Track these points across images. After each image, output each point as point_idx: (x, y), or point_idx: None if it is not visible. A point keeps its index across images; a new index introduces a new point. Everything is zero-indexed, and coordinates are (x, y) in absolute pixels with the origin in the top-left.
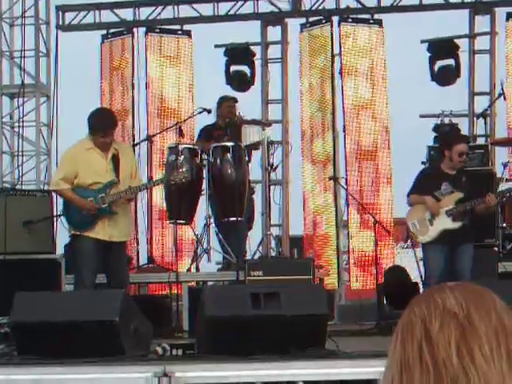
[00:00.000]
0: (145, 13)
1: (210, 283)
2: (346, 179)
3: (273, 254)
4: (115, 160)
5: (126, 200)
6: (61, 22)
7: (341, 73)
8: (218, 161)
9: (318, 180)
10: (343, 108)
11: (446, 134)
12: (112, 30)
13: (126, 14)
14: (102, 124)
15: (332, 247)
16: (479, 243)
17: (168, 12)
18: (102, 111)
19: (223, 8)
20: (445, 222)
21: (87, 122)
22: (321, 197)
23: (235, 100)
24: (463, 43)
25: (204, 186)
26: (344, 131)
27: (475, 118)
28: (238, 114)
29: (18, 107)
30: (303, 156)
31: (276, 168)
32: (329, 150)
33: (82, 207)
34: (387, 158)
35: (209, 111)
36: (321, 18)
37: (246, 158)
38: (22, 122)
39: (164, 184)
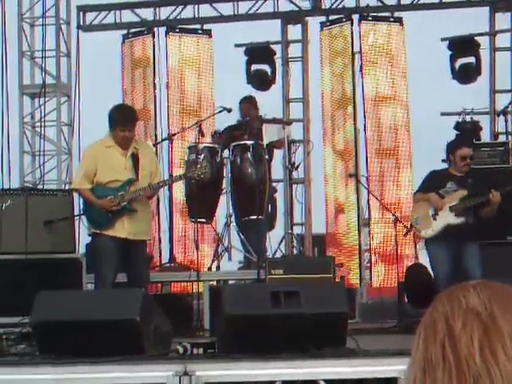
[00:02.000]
0: (165, 12)
1: (230, 282)
2: (367, 177)
3: (295, 252)
4: (135, 158)
5: (146, 197)
6: (82, 22)
7: (361, 71)
8: (238, 159)
9: (339, 178)
10: (364, 106)
11: (451, 140)
12: (132, 30)
13: (147, 13)
14: (122, 117)
15: (354, 245)
16: (501, 240)
17: (188, 11)
18: (122, 105)
19: (243, 7)
20: (448, 217)
21: (108, 116)
22: (342, 195)
23: (254, 99)
24: (484, 41)
25: (225, 184)
26: (364, 129)
27: (496, 116)
28: (258, 112)
29: (39, 107)
30: (325, 154)
31: (298, 167)
32: (350, 148)
33: (102, 207)
34: (408, 156)
35: (229, 110)
36: (341, 16)
37: (267, 157)
38: (44, 121)
39: (183, 179)
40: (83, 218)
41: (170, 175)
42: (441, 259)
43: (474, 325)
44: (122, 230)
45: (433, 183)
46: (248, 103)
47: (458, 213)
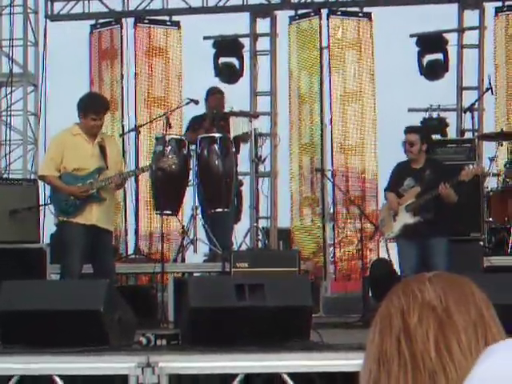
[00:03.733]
0: (134, 3)
1: (195, 274)
2: (333, 172)
3: (260, 245)
4: (101, 147)
5: (114, 186)
6: (49, 12)
7: (329, 65)
8: (205, 152)
9: (305, 172)
10: (331, 101)
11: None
12: (101, 21)
13: (115, 4)
14: (95, 105)
15: (318, 240)
16: (465, 237)
17: (157, 3)
18: (94, 94)
19: None
20: (404, 218)
21: (78, 104)
22: (308, 189)
23: (222, 92)
24: (452, 38)
25: (191, 176)
26: (331, 124)
27: (463, 113)
28: (225, 105)
29: (6, 96)
30: (291, 148)
31: (264, 160)
32: (316, 143)
33: (71, 193)
34: (373, 151)
35: (196, 102)
36: (310, 10)
37: (234, 150)
38: (10, 111)
39: (152, 170)
40: (50, 206)
41: (136, 166)
42: (407, 256)
43: (430, 320)
44: (91, 217)
45: (396, 179)
46: (217, 95)
47: (414, 212)
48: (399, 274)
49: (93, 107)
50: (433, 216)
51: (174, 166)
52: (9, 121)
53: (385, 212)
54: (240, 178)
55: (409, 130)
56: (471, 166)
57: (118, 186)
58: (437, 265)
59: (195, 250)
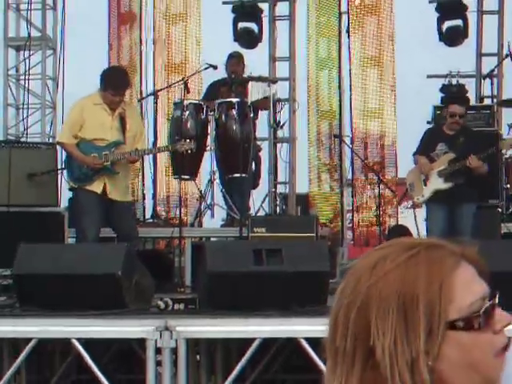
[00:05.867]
0: None
1: (213, 239)
2: (352, 137)
3: (278, 211)
4: (122, 119)
5: (129, 161)
6: None
7: (348, 31)
8: (223, 117)
9: (323, 138)
10: (350, 66)
11: (446, 96)
12: None
13: None
14: (115, 82)
15: (336, 206)
16: (483, 204)
17: None
18: (117, 70)
19: None
20: (436, 183)
21: (100, 78)
22: (326, 155)
23: (241, 57)
24: (472, 3)
25: (209, 141)
26: (350, 89)
27: (482, 79)
28: (244, 70)
29: (24, 60)
30: (309, 114)
31: (283, 126)
32: (335, 108)
33: (85, 163)
34: (393, 117)
35: (215, 67)
36: None
37: (252, 115)
38: (28, 74)
39: (168, 151)
40: (64, 172)
41: (156, 142)
42: (435, 220)
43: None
44: (101, 187)
45: (427, 144)
46: (236, 60)
47: (446, 177)
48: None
49: (112, 84)
50: (464, 182)
51: (190, 151)
52: (27, 85)
53: (414, 176)
54: (258, 143)
55: (457, 102)
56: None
57: (132, 162)
58: (462, 230)
59: (213, 215)
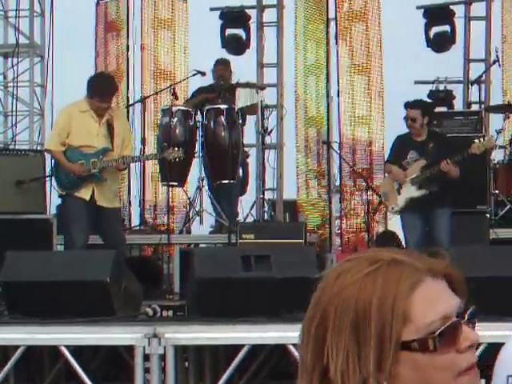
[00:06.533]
0: None
1: (201, 246)
2: (340, 144)
3: (266, 217)
4: (109, 126)
5: (116, 168)
6: None
7: (336, 37)
8: (212, 123)
9: (311, 144)
10: (338, 73)
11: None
12: None
13: None
14: (101, 89)
15: (323, 212)
16: (471, 209)
17: None
18: (103, 77)
19: None
20: (410, 191)
21: (87, 84)
22: (314, 161)
23: (228, 63)
24: (459, 9)
25: (197, 148)
26: (338, 96)
27: (470, 85)
28: (232, 76)
29: (12, 67)
30: (297, 120)
31: (271, 132)
32: (323, 115)
33: (72, 171)
34: (381, 123)
35: (203, 74)
36: None
37: (240, 121)
38: (16, 82)
39: (156, 159)
40: (53, 179)
41: (144, 148)
42: (411, 229)
43: None
44: (89, 194)
45: (398, 152)
46: (222, 66)
47: (420, 185)
48: (405, 246)
49: (99, 91)
50: (438, 188)
51: (177, 159)
52: (15, 92)
53: (387, 185)
54: (246, 149)
55: (409, 105)
56: (482, 140)
57: (120, 169)
58: (439, 236)
59: (201, 222)
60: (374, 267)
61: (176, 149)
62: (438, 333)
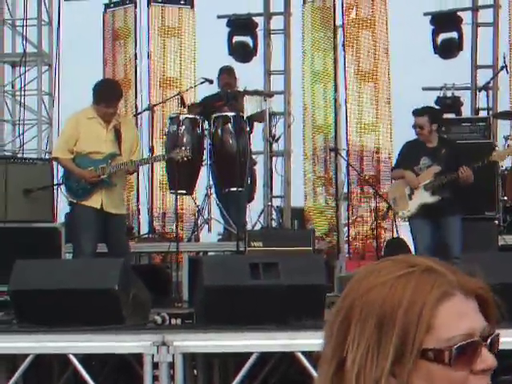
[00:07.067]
0: None
1: (210, 253)
2: (347, 151)
3: (274, 225)
4: (117, 132)
5: (125, 172)
6: None
7: (343, 45)
8: (219, 131)
9: (319, 151)
10: (345, 80)
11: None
12: (115, 0)
13: None
14: (107, 95)
15: (331, 220)
16: (479, 215)
17: None
18: (108, 82)
19: None
20: (423, 197)
21: (92, 91)
22: (322, 169)
23: (232, 70)
24: (466, 16)
25: (205, 156)
26: (345, 103)
27: (478, 91)
28: (236, 83)
29: (20, 76)
30: (305, 127)
31: (278, 139)
32: (330, 122)
33: (82, 177)
34: (388, 130)
35: (210, 81)
36: None
37: (248, 129)
38: (24, 90)
39: (164, 160)
40: (62, 187)
41: (151, 154)
42: (421, 235)
43: None
44: (99, 201)
45: (408, 158)
46: (227, 73)
47: (433, 191)
48: (414, 253)
49: (104, 97)
50: (450, 195)
51: (186, 158)
52: (23, 100)
53: (397, 191)
54: (254, 157)
55: (416, 113)
56: (505, 148)
57: (129, 173)
58: (451, 244)
59: (210, 230)
60: (407, 270)
61: (183, 148)
62: (456, 347)
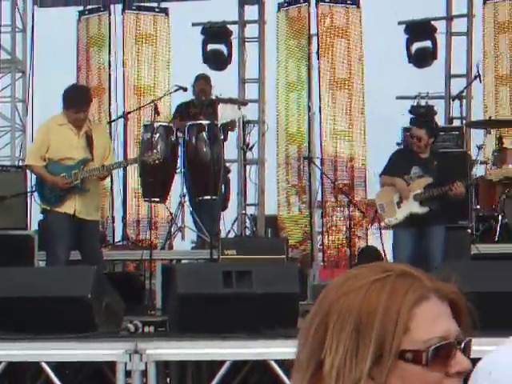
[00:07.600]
0: None
1: (183, 261)
2: (321, 159)
3: (248, 233)
4: (88, 138)
5: (98, 178)
6: None
7: (317, 53)
8: (194, 139)
9: (292, 161)
10: (319, 88)
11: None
12: (89, 7)
13: None
14: (76, 100)
15: (305, 228)
16: (453, 224)
17: None
18: (77, 87)
19: None
20: (412, 206)
21: (62, 97)
22: (295, 177)
23: (208, 78)
24: (440, 25)
25: (179, 164)
26: (320, 111)
27: (451, 100)
28: (211, 91)
29: None
30: (278, 136)
31: (252, 147)
32: (304, 131)
33: (54, 184)
34: (362, 139)
35: (185, 89)
36: None
37: (222, 137)
38: None
39: (137, 163)
40: (35, 194)
41: (124, 158)
42: (404, 244)
43: None
44: (73, 208)
45: (398, 166)
46: (203, 81)
47: (422, 202)
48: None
49: (74, 102)
50: (437, 207)
51: (158, 161)
52: None
53: (386, 197)
54: (227, 165)
55: (415, 123)
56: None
57: (102, 178)
58: (433, 253)
59: (183, 238)
60: (383, 275)
61: (155, 151)
62: (433, 348)
